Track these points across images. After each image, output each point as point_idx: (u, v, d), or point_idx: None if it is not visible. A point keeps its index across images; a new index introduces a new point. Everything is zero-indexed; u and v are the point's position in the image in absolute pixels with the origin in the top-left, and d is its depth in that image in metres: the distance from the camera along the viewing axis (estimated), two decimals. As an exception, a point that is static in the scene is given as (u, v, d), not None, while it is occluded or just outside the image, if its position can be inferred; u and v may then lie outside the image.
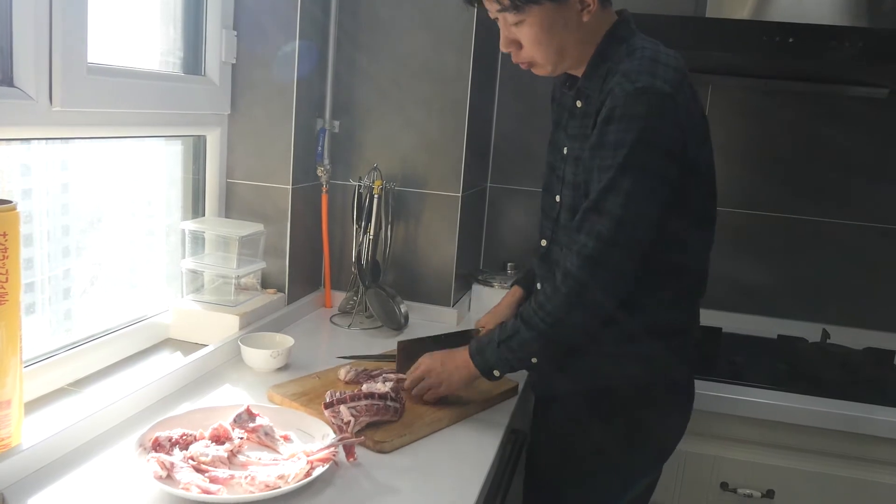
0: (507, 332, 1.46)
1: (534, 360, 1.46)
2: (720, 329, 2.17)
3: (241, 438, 1.28)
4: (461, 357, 1.54)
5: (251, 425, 1.33)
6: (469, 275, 2.38)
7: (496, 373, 1.50)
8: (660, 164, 1.33)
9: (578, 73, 1.48)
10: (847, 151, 2.29)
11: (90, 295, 1.71)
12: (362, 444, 1.37)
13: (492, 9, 1.44)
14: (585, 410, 1.52)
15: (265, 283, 2.06)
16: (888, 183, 2.27)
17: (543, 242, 1.58)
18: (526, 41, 1.43)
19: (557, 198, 1.52)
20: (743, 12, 1.97)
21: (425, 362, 1.59)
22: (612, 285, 1.37)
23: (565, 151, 1.51)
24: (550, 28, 1.40)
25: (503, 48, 1.48)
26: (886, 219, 2.29)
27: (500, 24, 1.46)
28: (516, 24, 1.42)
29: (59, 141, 1.56)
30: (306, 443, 1.33)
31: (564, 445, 1.56)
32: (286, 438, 1.34)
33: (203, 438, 1.26)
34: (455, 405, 1.57)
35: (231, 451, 1.24)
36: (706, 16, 2.04)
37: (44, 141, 1.51)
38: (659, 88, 1.31)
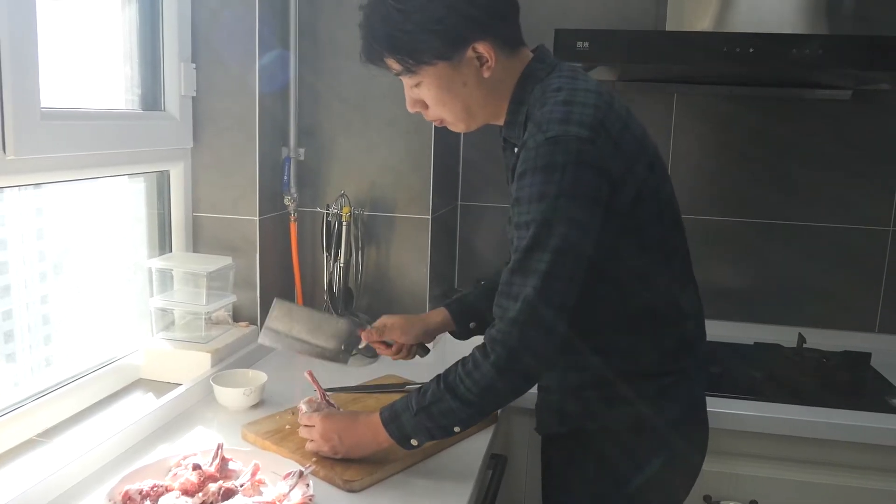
0: (427, 399, 1.32)
1: (456, 428, 1.34)
2: (697, 339, 2.16)
3: (215, 489, 1.26)
4: (364, 430, 1.41)
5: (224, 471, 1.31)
6: (443, 295, 2.36)
7: (414, 442, 1.36)
8: (584, 215, 1.23)
9: (501, 122, 1.43)
10: (814, 153, 2.29)
11: (58, 341, 1.69)
12: (330, 481, 1.36)
13: (390, 72, 1.39)
14: (557, 452, 1.50)
15: (237, 316, 2.04)
16: (856, 182, 2.28)
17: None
18: (429, 101, 1.39)
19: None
20: (703, 24, 1.97)
21: (320, 429, 1.44)
22: (541, 347, 1.26)
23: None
24: (449, 88, 1.35)
25: (409, 109, 1.43)
26: (855, 218, 2.30)
27: (405, 85, 1.41)
28: (416, 85, 1.38)
29: (19, 187, 1.53)
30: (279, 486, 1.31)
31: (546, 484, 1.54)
32: (261, 483, 1.32)
33: (173, 490, 1.24)
34: None
35: (203, 502, 1.21)
36: (666, 29, 2.04)
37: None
38: (574, 134, 1.23)
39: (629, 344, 1.42)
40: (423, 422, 1.33)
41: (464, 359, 1.32)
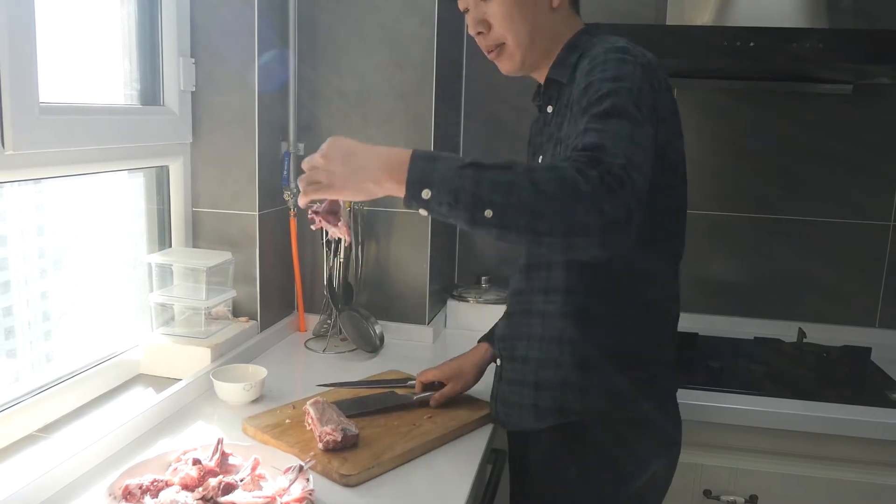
0: (489, 163, 1.11)
1: (488, 212, 1.08)
2: (696, 334, 2.17)
3: (215, 484, 1.26)
4: (375, 155, 1.18)
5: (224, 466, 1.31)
6: (443, 291, 2.36)
7: (425, 194, 1.11)
8: (646, 117, 1.19)
9: (542, 76, 1.46)
10: (814, 147, 2.29)
11: (58, 336, 1.69)
12: (327, 475, 1.36)
13: None
14: (556, 448, 1.44)
15: (237, 311, 2.04)
16: (857, 177, 2.28)
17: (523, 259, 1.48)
18: (497, 18, 1.39)
19: None
20: (703, 18, 1.97)
21: (329, 144, 1.23)
22: (610, 192, 1.07)
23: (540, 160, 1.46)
24: (522, 4, 1.37)
25: (472, 30, 1.44)
26: (856, 213, 2.30)
27: (470, 3, 1.42)
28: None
29: (18, 183, 1.53)
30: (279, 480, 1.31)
31: (542, 481, 1.50)
32: (261, 477, 1.32)
33: (173, 485, 1.24)
34: (428, 434, 1.53)
35: (203, 497, 1.21)
36: (667, 23, 2.04)
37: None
38: (639, 53, 1.27)
39: (628, 322, 1.39)
40: (462, 177, 1.10)
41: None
